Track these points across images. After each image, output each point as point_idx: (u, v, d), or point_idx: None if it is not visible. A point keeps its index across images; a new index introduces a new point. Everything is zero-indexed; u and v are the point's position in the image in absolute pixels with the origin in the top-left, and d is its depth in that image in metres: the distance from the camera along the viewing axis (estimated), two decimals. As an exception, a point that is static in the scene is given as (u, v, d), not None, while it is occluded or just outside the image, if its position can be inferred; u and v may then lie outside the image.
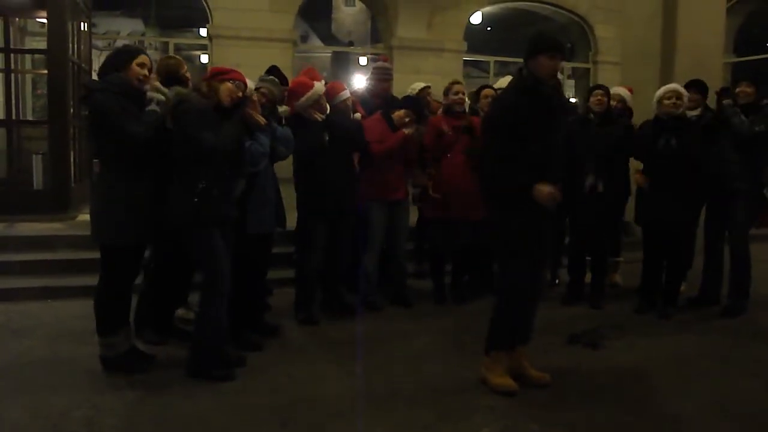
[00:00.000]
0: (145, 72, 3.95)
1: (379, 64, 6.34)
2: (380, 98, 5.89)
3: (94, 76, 4.90)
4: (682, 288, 5.80)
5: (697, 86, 5.76)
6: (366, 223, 5.44)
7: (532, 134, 3.68)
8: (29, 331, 4.87)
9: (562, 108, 3.98)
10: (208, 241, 3.89)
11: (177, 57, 4.99)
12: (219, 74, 4.03)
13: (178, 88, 4.14)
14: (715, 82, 7.66)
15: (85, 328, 4.42)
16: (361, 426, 3.44)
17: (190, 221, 3.85)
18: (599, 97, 5.60)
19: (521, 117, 3.67)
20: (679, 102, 5.23)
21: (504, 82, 6.14)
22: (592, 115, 5.62)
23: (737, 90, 5.40)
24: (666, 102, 5.24)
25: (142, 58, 3.95)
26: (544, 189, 3.63)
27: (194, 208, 3.82)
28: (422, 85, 6.57)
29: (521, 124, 3.67)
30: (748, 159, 5.30)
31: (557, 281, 6.36)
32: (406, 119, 5.32)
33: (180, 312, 4.88)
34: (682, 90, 5.32)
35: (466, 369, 4.17)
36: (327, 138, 4.97)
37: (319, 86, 4.97)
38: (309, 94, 4.90)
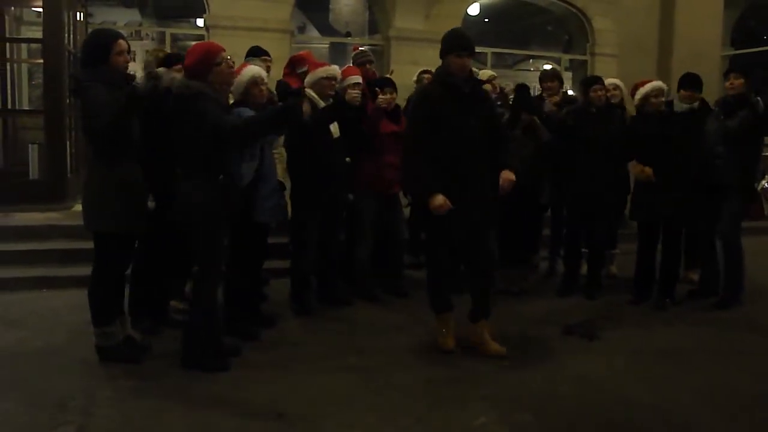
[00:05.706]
0: (126, 58, 3.95)
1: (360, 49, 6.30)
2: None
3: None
4: (696, 277, 5.94)
5: (691, 81, 5.74)
6: (358, 213, 5.43)
7: (443, 120, 4.06)
8: (24, 321, 4.88)
9: (476, 99, 4.24)
10: (215, 233, 3.89)
11: (166, 51, 5.05)
12: (210, 60, 3.85)
13: (187, 80, 3.88)
14: (713, 74, 7.65)
15: (81, 319, 4.42)
16: (355, 416, 3.44)
17: (207, 215, 3.82)
18: (599, 92, 5.56)
19: (434, 105, 4.11)
20: (662, 99, 5.39)
21: (485, 74, 6.29)
22: (594, 109, 5.58)
23: (726, 83, 5.45)
24: (653, 101, 5.35)
25: (119, 47, 3.90)
26: (435, 200, 3.99)
27: (214, 203, 3.81)
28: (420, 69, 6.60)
29: (434, 111, 4.09)
30: (734, 153, 5.29)
31: (554, 272, 6.37)
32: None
33: (174, 303, 4.88)
34: (665, 86, 5.46)
35: (461, 359, 4.19)
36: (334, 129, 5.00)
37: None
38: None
